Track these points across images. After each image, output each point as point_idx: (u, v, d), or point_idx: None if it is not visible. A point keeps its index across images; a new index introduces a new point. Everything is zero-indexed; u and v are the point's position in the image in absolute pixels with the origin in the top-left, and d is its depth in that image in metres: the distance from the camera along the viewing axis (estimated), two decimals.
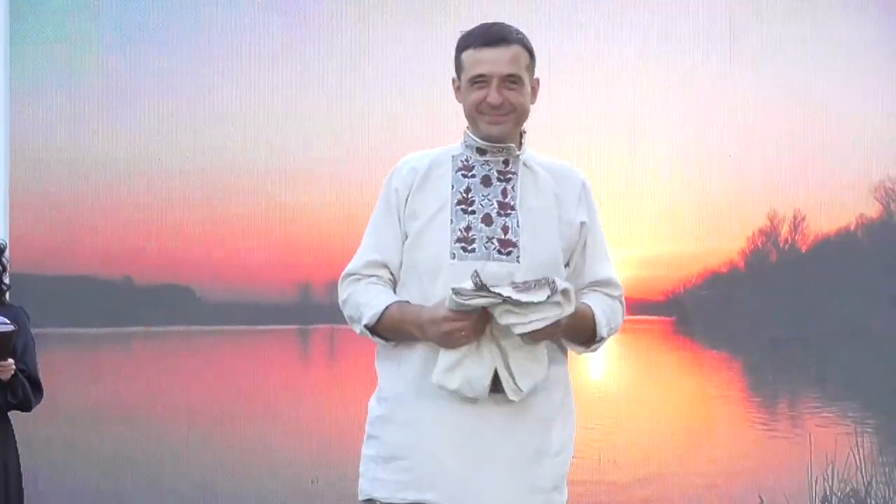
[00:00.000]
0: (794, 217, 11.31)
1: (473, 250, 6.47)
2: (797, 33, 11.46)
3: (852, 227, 11.24)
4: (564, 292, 6.13)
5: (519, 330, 6.12)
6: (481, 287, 6.13)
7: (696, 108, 11.18)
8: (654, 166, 11.13)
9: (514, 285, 6.20)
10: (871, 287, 11.00)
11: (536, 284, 6.18)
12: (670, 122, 11.18)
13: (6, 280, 10.06)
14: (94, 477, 11.07)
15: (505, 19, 6.96)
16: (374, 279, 6.68)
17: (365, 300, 6.65)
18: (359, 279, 6.69)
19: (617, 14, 11.65)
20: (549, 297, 6.16)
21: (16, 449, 10.00)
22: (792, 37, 11.51)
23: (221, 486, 11.00)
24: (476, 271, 6.30)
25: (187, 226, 11.10)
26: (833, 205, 11.17)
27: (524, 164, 6.63)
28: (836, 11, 11.70)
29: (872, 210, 11.16)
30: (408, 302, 6.61)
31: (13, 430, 9.98)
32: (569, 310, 6.14)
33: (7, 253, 10.19)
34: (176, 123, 10.98)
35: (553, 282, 6.17)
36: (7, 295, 10.11)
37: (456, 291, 6.25)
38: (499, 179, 6.61)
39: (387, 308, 6.58)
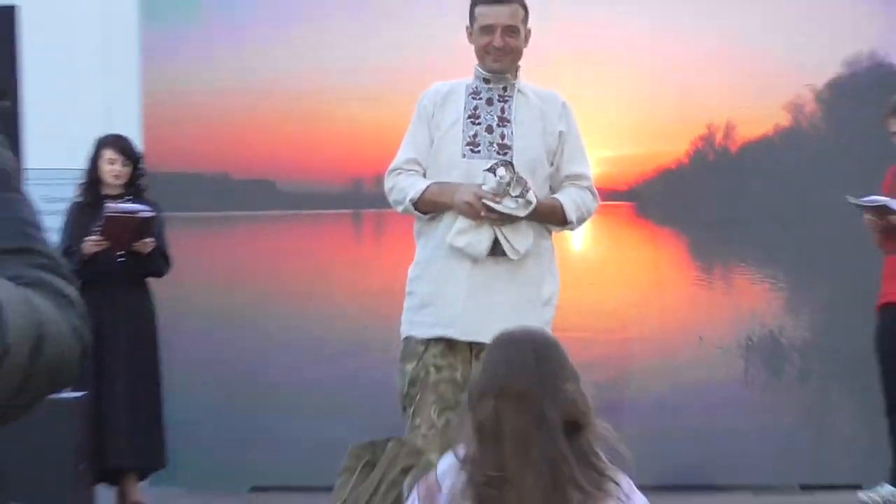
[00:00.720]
0: (727, 126, 11.93)
1: (479, 151, 7.55)
2: None
3: (770, 134, 11.90)
4: (528, 203, 7.43)
5: (493, 204, 7.41)
6: (508, 181, 7.38)
7: (655, 48, 11.86)
8: (622, 88, 11.85)
9: (517, 175, 7.41)
10: (786, 180, 11.72)
11: (521, 183, 7.42)
12: (636, 57, 11.91)
13: (144, 182, 10.93)
14: (208, 326, 11.81)
15: None
16: (412, 172, 7.65)
17: (409, 184, 7.69)
18: (400, 173, 7.74)
19: None
20: (519, 200, 7.43)
21: (152, 304, 10.97)
22: None
23: (298, 331, 11.75)
24: (511, 166, 7.43)
25: (275, 134, 11.86)
26: (756, 117, 11.80)
27: (518, 90, 7.67)
28: None
29: (785, 121, 11.84)
30: (443, 183, 7.56)
31: (150, 291, 10.95)
32: (520, 213, 7.43)
33: (143, 160, 11.03)
34: (277, 54, 11.67)
35: (527, 192, 7.43)
36: (145, 193, 10.86)
37: (494, 172, 7.39)
38: (499, 100, 7.67)
39: (427, 187, 7.61)
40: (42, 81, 11.25)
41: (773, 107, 11.99)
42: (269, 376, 11.57)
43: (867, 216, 10.54)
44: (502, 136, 7.64)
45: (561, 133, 7.73)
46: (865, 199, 10.51)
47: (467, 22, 7.89)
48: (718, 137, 12.07)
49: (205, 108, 11.96)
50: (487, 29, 7.67)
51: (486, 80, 7.76)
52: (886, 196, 10.49)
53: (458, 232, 7.52)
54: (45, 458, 9.85)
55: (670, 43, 11.96)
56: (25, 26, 10.83)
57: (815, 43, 11.92)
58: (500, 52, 7.66)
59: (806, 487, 11.63)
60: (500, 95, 7.73)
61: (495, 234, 7.53)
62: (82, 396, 10.23)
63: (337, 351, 11.26)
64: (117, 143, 10.88)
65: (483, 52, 7.70)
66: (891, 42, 11.90)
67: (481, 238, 7.51)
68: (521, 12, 7.74)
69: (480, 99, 7.73)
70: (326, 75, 11.82)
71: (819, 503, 10.97)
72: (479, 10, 7.71)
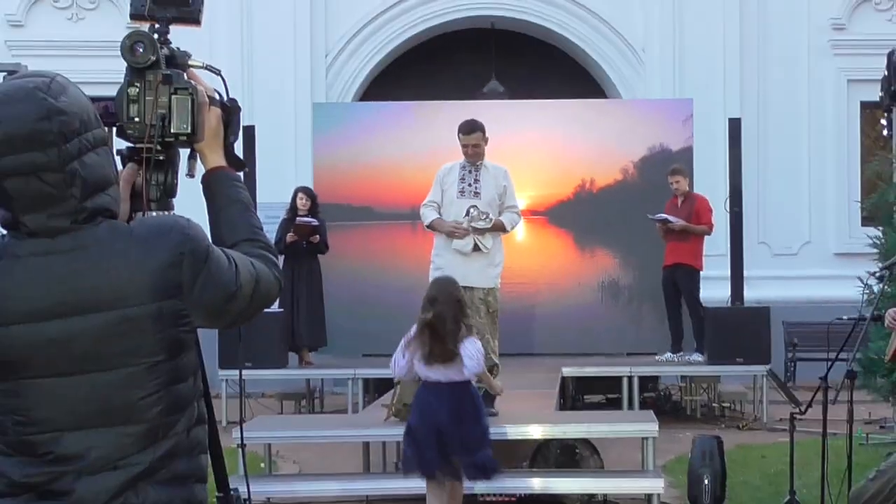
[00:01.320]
0: (591, 180, 11.85)
1: (464, 195, 7.39)
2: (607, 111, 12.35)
3: (612, 184, 11.90)
4: (490, 220, 7.36)
5: (471, 221, 7.32)
6: (476, 215, 7.35)
7: (556, 142, 11.85)
8: (539, 161, 11.81)
9: (480, 211, 7.36)
10: (620, 206, 11.69)
11: (484, 214, 7.36)
12: (546, 147, 11.92)
13: (319, 208, 10.87)
14: (345, 277, 11.61)
15: (466, 116, 8.07)
16: (433, 207, 7.55)
17: (427, 214, 7.58)
18: (426, 206, 7.58)
19: (521, 111, 12.45)
20: (484, 221, 7.39)
21: (319, 265, 10.91)
22: (600, 114, 12.42)
23: (385, 279, 11.46)
24: (476, 207, 7.39)
25: (376, 183, 11.94)
26: (605, 176, 11.78)
27: (484, 166, 7.49)
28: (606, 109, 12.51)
29: (620, 177, 11.79)
30: (441, 217, 7.47)
31: (319, 260, 10.88)
32: (487, 226, 7.34)
33: (317, 197, 10.97)
34: (379, 143, 11.77)
35: (488, 216, 7.39)
36: (318, 213, 10.81)
37: (468, 213, 7.39)
38: (474, 171, 7.48)
39: (434, 219, 7.47)
40: (265, 158, 11.31)
41: (613, 170, 11.96)
42: (373, 300, 11.50)
43: (657, 225, 10.68)
44: (476, 188, 7.50)
45: (504, 187, 7.56)
46: (656, 215, 10.68)
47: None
48: (587, 185, 12.03)
49: (344, 171, 11.92)
50: (464, 146, 7.51)
51: (468, 164, 7.56)
52: (666, 214, 10.63)
53: (456, 240, 7.44)
54: (262, 340, 9.96)
55: (564, 139, 11.91)
56: (264, 135, 10.91)
57: (632, 139, 11.85)
58: (471, 156, 7.49)
59: (630, 354, 11.56)
60: (475, 169, 7.54)
61: (475, 240, 7.51)
62: (280, 311, 10.42)
63: (403, 288, 11.01)
64: (304, 189, 11.06)
65: (464, 153, 7.53)
66: (670, 136, 11.85)
67: (467, 242, 7.46)
68: (481, 135, 7.48)
69: (465, 170, 7.52)
70: (401, 154, 11.75)
71: (635, 361, 10.91)
72: (460, 135, 7.51)
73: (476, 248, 7.50)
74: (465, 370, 5.82)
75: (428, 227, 7.71)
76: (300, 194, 10.95)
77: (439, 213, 7.62)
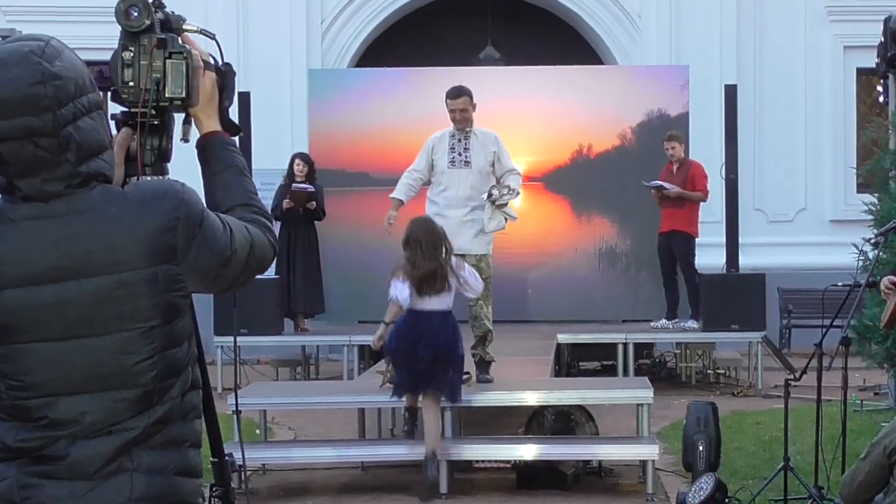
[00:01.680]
0: (588, 146, 11.90)
1: (455, 165, 7.33)
2: (593, 82, 12.29)
3: (610, 150, 11.91)
4: (513, 189, 7.35)
5: (496, 201, 7.28)
6: (498, 195, 7.32)
7: (553, 108, 11.83)
8: (538, 127, 11.81)
9: (500, 189, 7.34)
10: (617, 172, 11.74)
11: (505, 188, 7.31)
12: (545, 112, 11.90)
13: (316, 174, 10.85)
14: (340, 242, 11.62)
15: (461, 82, 8.00)
16: (415, 174, 7.57)
17: (399, 185, 7.66)
18: (409, 172, 7.60)
19: (511, 77, 12.38)
20: (509, 194, 7.34)
21: (316, 232, 10.89)
22: (597, 80, 12.36)
23: (378, 243, 11.48)
24: (496, 186, 7.36)
25: (371, 149, 11.89)
26: (602, 141, 11.83)
27: (473, 133, 7.42)
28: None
29: (617, 143, 11.82)
30: (402, 202, 7.62)
31: (315, 226, 10.87)
32: (514, 196, 7.38)
33: (314, 164, 10.92)
34: (375, 111, 11.77)
35: (509, 187, 7.36)
36: (316, 179, 10.81)
37: (490, 195, 7.33)
38: (464, 139, 7.41)
39: (394, 197, 7.63)
40: (261, 124, 11.28)
41: (611, 136, 11.98)
42: (369, 266, 11.37)
43: (652, 191, 10.67)
44: (467, 157, 7.44)
45: (495, 153, 7.45)
46: (651, 182, 10.68)
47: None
48: (584, 151, 12.04)
49: (339, 137, 11.90)
50: (452, 112, 7.48)
51: (458, 131, 7.48)
52: (662, 181, 10.61)
53: (489, 220, 7.40)
54: (257, 306, 9.95)
55: (561, 105, 11.89)
56: (260, 101, 10.91)
57: (629, 106, 11.86)
58: (459, 121, 7.41)
59: (625, 321, 11.62)
60: (464, 137, 7.44)
61: (504, 215, 7.43)
62: (276, 277, 10.39)
63: (399, 255, 11.04)
64: (301, 155, 11.02)
65: (453, 121, 7.50)
66: (666, 102, 11.87)
67: (500, 223, 7.42)
68: (468, 100, 7.42)
69: (455, 139, 7.42)
70: (396, 120, 11.72)
71: (631, 329, 10.95)
72: (447, 101, 7.46)
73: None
74: (469, 293, 6.97)
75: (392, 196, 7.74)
76: (297, 160, 10.90)
77: (425, 182, 7.64)
